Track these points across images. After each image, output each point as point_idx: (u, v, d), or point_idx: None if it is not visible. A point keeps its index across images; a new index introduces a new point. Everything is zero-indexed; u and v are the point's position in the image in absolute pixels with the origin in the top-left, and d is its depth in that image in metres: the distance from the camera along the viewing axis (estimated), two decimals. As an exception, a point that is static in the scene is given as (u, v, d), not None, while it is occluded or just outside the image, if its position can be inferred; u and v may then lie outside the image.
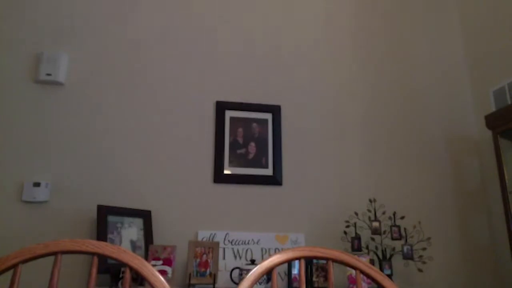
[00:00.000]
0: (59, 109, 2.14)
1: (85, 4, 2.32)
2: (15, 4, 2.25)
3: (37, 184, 1.97)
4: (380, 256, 2.04)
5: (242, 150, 2.23)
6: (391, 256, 2.02)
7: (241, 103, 2.30)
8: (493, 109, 2.19)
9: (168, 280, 1.64)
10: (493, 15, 2.42)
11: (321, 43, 2.51)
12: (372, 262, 1.99)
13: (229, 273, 1.92)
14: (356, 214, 2.17)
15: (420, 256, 2.03)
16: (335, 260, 1.06)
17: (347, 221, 2.17)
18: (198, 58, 2.35)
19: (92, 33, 2.28)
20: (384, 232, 2.09)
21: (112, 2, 2.36)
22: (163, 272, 1.72)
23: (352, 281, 1.88)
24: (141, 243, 1.95)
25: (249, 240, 2.08)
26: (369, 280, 1.81)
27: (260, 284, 1.78)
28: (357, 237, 2.05)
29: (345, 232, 2.12)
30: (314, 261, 1.93)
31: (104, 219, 1.87)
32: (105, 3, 2.35)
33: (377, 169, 2.32)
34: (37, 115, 2.10)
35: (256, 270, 1.01)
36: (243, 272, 1.82)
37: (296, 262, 1.87)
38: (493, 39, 2.40)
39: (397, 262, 2.07)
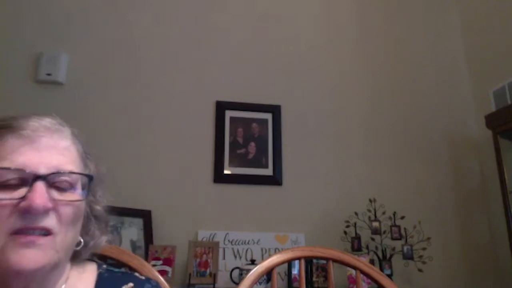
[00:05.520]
0: (59, 109, 2.11)
1: (84, 4, 2.32)
2: (14, 4, 2.25)
3: (37, 184, 1.96)
4: (380, 256, 2.04)
5: (242, 150, 2.23)
6: (391, 256, 2.02)
7: (241, 103, 2.29)
8: (493, 109, 2.19)
9: (168, 280, 1.64)
10: (493, 15, 2.42)
11: (321, 42, 2.51)
12: (372, 262, 1.99)
13: (229, 273, 1.91)
14: (356, 214, 2.17)
15: (420, 256, 2.03)
16: (335, 260, 1.06)
17: (347, 221, 2.17)
18: (198, 58, 2.35)
19: (92, 33, 2.28)
20: (384, 232, 2.09)
21: (111, 2, 2.36)
22: (163, 272, 1.72)
23: (352, 281, 1.88)
24: (141, 243, 1.95)
25: (249, 240, 2.08)
26: (369, 280, 1.81)
27: (260, 284, 1.78)
28: (357, 237, 2.04)
29: (345, 232, 2.12)
30: (314, 261, 1.94)
31: (104, 219, 1.86)
32: (105, 3, 2.35)
33: (377, 169, 2.32)
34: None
35: (256, 270, 1.01)
36: (243, 272, 1.81)
37: (296, 262, 1.87)
38: (493, 39, 2.39)
39: (397, 262, 2.07)
